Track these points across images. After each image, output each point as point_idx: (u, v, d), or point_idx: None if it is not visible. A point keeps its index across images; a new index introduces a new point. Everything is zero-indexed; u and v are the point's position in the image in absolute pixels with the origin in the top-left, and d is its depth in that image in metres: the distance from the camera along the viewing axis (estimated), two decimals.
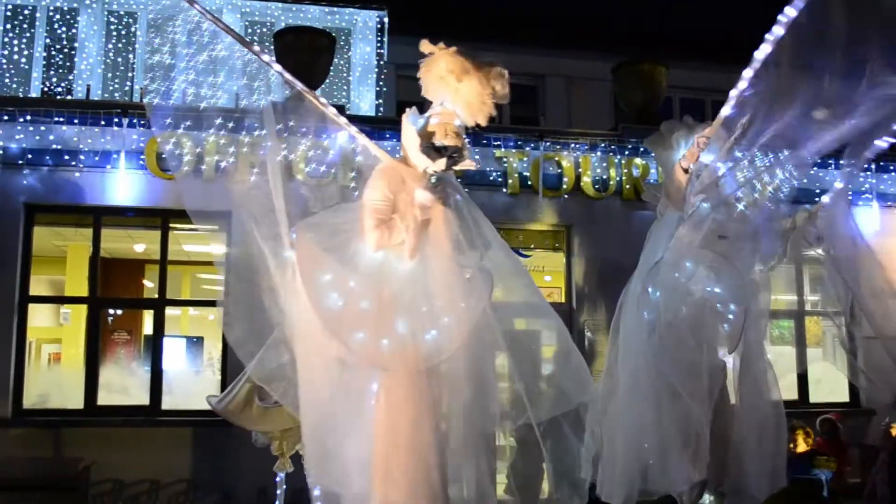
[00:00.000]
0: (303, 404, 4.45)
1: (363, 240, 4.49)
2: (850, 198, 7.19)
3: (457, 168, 4.58)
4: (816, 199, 11.21)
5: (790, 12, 4.70)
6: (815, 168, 11.49)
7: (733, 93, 5.59)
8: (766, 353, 6.43)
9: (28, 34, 12.31)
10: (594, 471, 6.30)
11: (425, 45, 4.43)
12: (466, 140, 4.57)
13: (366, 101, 12.28)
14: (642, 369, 6.17)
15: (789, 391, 11.25)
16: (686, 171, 6.52)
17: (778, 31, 4.79)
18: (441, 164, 4.42)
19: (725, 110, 5.93)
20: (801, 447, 7.21)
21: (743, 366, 6.31)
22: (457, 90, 4.39)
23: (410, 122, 4.55)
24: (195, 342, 12.61)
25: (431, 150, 4.43)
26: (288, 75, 4.84)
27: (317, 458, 4.44)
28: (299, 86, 4.83)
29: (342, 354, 4.40)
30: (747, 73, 5.23)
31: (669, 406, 6.04)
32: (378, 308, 4.36)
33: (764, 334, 6.55)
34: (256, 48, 5.08)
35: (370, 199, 4.49)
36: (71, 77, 12.26)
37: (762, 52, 5.01)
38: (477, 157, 10.47)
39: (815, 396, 11.25)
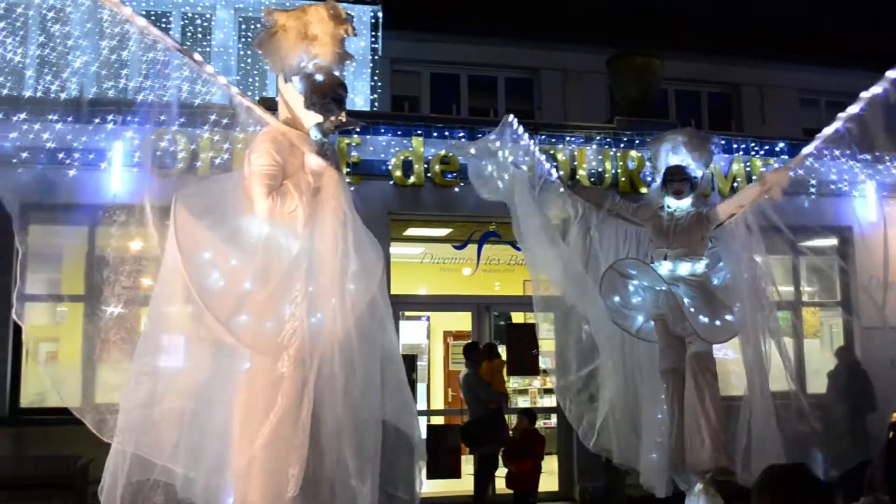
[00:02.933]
0: (168, 380, 4.18)
1: (246, 213, 4.24)
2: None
3: (346, 126, 4.46)
4: (812, 188, 11.31)
5: None
6: (811, 160, 11.53)
7: None
8: (764, 345, 6.50)
9: (21, 33, 12.26)
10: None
11: (267, 15, 4.37)
12: None
13: (360, 96, 12.26)
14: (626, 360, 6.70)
15: (786, 382, 11.24)
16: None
17: None
18: (341, 118, 4.31)
19: None
20: None
21: (746, 357, 6.44)
22: (315, 39, 4.30)
23: (285, 82, 4.42)
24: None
25: (333, 104, 4.30)
26: (170, 41, 4.75)
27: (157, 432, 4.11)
28: (169, 41, 4.78)
29: (216, 335, 4.15)
30: None
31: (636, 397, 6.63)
32: (262, 289, 4.10)
33: (763, 327, 6.60)
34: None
35: (259, 164, 4.23)
36: (65, 75, 12.20)
37: None
38: (472, 150, 10.45)
39: (812, 387, 11.24)
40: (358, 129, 10.02)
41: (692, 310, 6.24)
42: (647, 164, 10.75)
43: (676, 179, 6.64)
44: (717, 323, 6.31)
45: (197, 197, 4.30)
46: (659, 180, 6.82)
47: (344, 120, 4.38)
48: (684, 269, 6.48)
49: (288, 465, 4.03)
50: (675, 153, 6.71)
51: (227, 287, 4.09)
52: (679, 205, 6.64)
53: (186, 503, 4.16)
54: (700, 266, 6.52)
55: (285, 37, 4.32)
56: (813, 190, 11.36)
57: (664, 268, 6.47)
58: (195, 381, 4.22)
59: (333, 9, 4.35)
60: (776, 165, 11.34)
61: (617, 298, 6.54)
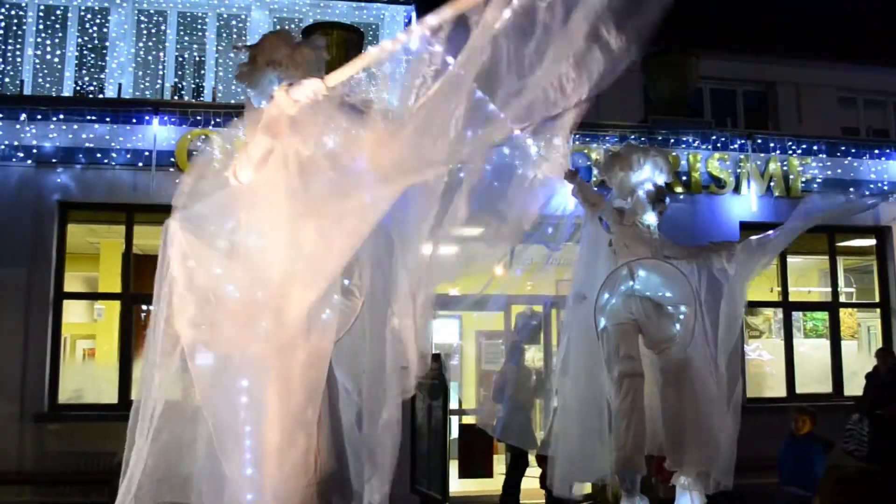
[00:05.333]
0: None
1: (244, 224, 4.31)
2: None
3: None
4: (850, 189, 11.15)
5: None
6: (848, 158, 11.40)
7: None
8: (740, 353, 6.57)
9: (60, 34, 12.48)
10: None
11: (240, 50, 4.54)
12: None
13: (395, 96, 12.30)
14: (591, 369, 6.63)
15: (823, 384, 11.13)
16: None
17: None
18: None
19: None
20: (808, 429, 7.60)
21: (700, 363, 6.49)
22: (280, 65, 4.47)
23: (257, 106, 4.57)
24: None
25: None
26: None
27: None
28: None
29: (216, 349, 4.23)
30: None
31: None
32: (272, 295, 4.16)
33: (736, 334, 6.78)
34: None
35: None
36: (103, 76, 12.41)
37: None
38: (506, 150, 10.43)
39: (849, 389, 11.10)
40: None
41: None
42: (682, 162, 10.68)
43: (663, 200, 6.78)
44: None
45: (193, 216, 4.30)
46: (642, 193, 6.73)
47: None
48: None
49: (307, 463, 4.13)
50: (660, 173, 6.79)
51: (242, 297, 4.16)
52: (653, 223, 6.72)
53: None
54: None
55: (258, 66, 4.53)
56: (851, 190, 11.24)
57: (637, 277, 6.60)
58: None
59: (287, 38, 4.59)
60: (813, 164, 11.24)
61: (606, 296, 6.57)
